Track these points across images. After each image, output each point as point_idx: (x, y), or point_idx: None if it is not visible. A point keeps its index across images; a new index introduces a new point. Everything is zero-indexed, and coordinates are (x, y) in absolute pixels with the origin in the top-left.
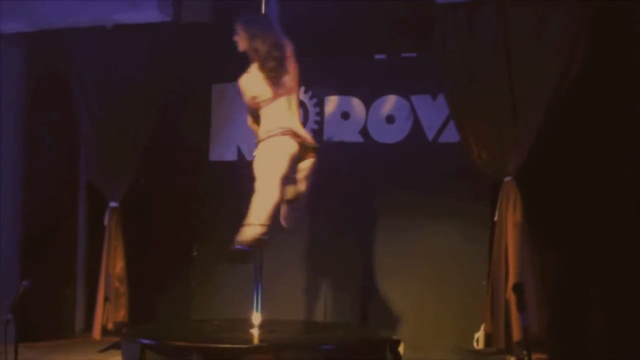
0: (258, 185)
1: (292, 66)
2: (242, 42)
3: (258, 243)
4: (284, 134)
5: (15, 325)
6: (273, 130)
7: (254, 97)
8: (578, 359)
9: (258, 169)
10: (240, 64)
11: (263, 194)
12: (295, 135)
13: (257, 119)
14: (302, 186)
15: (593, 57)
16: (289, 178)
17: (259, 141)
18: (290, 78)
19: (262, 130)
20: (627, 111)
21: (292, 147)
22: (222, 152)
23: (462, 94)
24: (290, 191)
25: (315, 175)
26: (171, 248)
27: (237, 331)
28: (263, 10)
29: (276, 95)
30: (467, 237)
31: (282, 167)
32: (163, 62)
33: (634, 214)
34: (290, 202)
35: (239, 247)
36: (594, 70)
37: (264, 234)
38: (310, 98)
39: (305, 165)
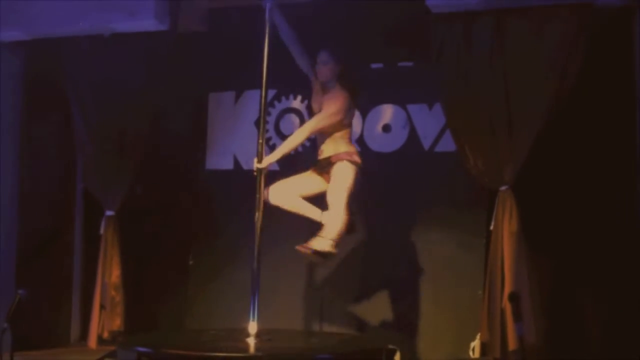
0: (335, 202)
1: None
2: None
3: (328, 255)
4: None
5: (11, 333)
6: (342, 154)
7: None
8: None
9: (338, 188)
10: (237, 73)
11: (339, 212)
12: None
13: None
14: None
15: (589, 68)
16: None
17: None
18: None
19: (332, 149)
20: (622, 121)
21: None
22: (218, 160)
23: (459, 103)
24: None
25: None
26: (167, 257)
27: (233, 340)
28: (267, 22)
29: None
30: (463, 246)
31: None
32: (160, 71)
33: (629, 222)
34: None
35: (310, 250)
36: (590, 81)
37: (334, 247)
38: (307, 107)
39: None
